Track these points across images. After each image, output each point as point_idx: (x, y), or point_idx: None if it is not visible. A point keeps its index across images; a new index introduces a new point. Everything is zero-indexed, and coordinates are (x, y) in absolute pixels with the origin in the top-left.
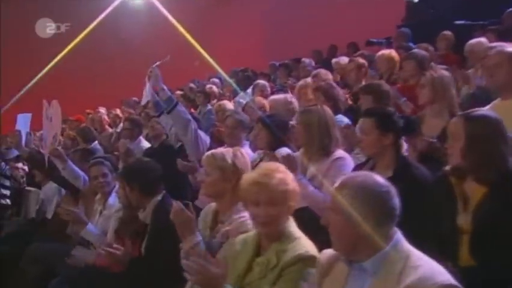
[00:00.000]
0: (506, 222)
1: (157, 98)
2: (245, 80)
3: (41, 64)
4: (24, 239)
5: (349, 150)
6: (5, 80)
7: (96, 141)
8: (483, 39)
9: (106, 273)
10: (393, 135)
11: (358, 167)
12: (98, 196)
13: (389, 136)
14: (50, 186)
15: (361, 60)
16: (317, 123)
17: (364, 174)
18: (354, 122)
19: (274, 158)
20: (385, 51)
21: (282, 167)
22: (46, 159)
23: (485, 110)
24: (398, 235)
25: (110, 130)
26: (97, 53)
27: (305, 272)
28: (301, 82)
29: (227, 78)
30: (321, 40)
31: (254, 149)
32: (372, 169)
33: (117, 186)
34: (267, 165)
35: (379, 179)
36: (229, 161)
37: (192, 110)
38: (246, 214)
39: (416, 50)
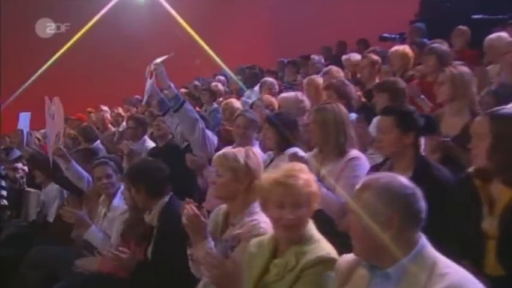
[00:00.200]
0: None
1: (161, 95)
2: (252, 77)
3: (41, 64)
4: (25, 242)
5: (363, 150)
6: (5, 80)
7: (98, 141)
8: (503, 34)
9: (111, 279)
10: (413, 135)
11: (374, 168)
12: (102, 197)
13: (409, 135)
14: (52, 188)
15: (375, 57)
16: (333, 121)
17: (388, 175)
18: (368, 120)
19: (296, 159)
20: (399, 47)
21: (305, 168)
22: (51, 159)
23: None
24: (423, 240)
25: (113, 129)
26: (98, 51)
27: (325, 274)
28: (307, 80)
29: (232, 75)
30: (330, 36)
31: (264, 149)
32: (389, 170)
33: (122, 187)
34: (291, 165)
35: (404, 180)
36: (242, 161)
37: (197, 109)
38: (258, 217)
39: (436, 45)
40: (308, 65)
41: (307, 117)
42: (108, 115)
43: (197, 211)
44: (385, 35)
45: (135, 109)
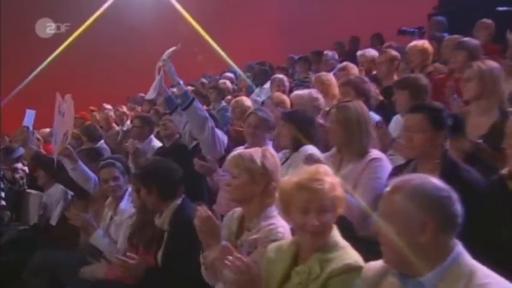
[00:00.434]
0: None
1: (169, 93)
2: (262, 74)
3: (41, 64)
4: (26, 247)
5: (383, 151)
6: (5, 80)
7: (102, 140)
8: None
9: (119, 286)
10: (443, 134)
11: (397, 169)
12: (109, 200)
13: (441, 134)
14: (55, 190)
15: (394, 52)
16: (356, 120)
17: (420, 176)
18: (387, 119)
19: (313, 161)
20: (418, 42)
21: (329, 170)
22: (55, 158)
23: None
24: (459, 247)
25: (117, 128)
26: (99, 48)
27: (353, 283)
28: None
29: (241, 72)
30: (342, 31)
31: (277, 148)
32: (413, 172)
33: (130, 189)
34: (315, 168)
35: (437, 181)
36: (258, 162)
37: (205, 107)
38: (275, 221)
39: (467, 39)
40: (321, 61)
41: (323, 116)
42: (112, 113)
43: (210, 213)
44: (404, 28)
45: (140, 107)
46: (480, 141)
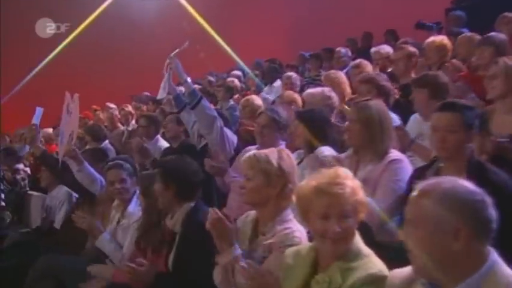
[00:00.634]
0: None
1: (177, 91)
2: (272, 72)
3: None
4: (29, 251)
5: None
6: (5, 80)
7: (107, 141)
8: None
9: None
10: (472, 134)
11: (419, 171)
12: (116, 202)
13: (471, 134)
14: (59, 192)
15: (411, 49)
16: (378, 120)
17: (450, 179)
18: (403, 118)
19: (339, 162)
20: (436, 38)
21: (350, 173)
22: (60, 158)
23: None
24: (494, 255)
25: (122, 128)
26: (101, 45)
27: None
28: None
29: (248, 70)
30: (354, 27)
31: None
32: (437, 174)
33: (138, 191)
34: (335, 171)
35: (469, 185)
36: (275, 163)
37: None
38: (291, 225)
39: (494, 34)
40: (332, 58)
41: (336, 115)
42: (117, 113)
43: (221, 215)
44: (422, 21)
45: (145, 107)
46: (505, 140)
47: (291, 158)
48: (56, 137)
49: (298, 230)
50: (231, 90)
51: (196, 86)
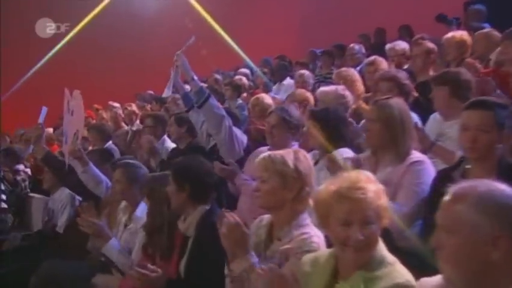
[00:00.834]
0: None
1: (185, 89)
2: (281, 69)
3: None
4: (30, 256)
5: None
6: (4, 80)
7: (111, 141)
8: None
9: None
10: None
11: (444, 173)
12: (123, 204)
13: (503, 134)
14: (61, 194)
15: (430, 45)
16: (400, 119)
17: (485, 182)
18: (422, 118)
19: (357, 164)
20: (456, 33)
21: (372, 176)
22: (67, 160)
23: None
24: None
25: (126, 128)
26: (102, 43)
27: None
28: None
29: (256, 68)
30: (366, 23)
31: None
32: (463, 176)
33: None
34: (356, 175)
35: (507, 188)
36: (291, 165)
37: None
38: (308, 230)
39: None
40: (344, 55)
41: (351, 114)
42: (121, 112)
43: (238, 219)
44: (443, 14)
45: (149, 106)
46: None
47: (308, 160)
48: (57, 137)
49: (316, 235)
50: (238, 89)
51: (203, 85)
